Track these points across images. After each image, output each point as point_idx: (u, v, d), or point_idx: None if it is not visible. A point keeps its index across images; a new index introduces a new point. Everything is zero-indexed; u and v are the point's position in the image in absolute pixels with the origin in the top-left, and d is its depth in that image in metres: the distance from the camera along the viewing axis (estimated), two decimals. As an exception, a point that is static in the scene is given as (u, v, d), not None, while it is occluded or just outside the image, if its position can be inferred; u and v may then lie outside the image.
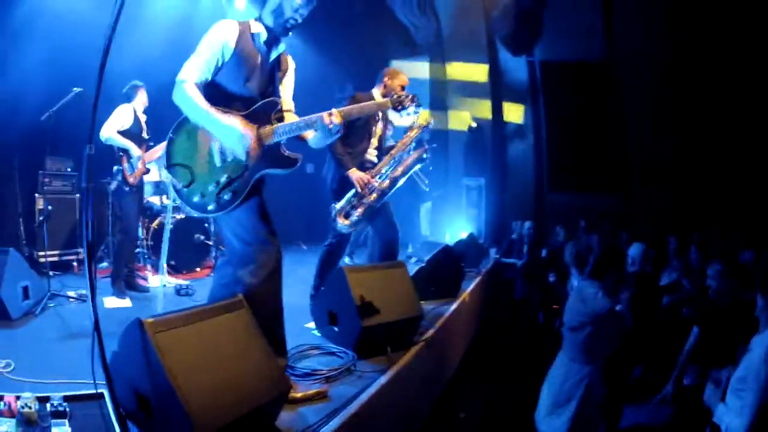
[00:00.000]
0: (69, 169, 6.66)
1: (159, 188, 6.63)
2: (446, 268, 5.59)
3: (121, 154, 5.22)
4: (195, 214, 2.78)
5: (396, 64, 11.11)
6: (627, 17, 9.69)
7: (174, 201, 2.82)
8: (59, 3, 6.40)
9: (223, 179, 2.68)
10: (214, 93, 2.75)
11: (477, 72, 11.30)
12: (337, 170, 4.36)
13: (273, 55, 2.91)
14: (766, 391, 2.66)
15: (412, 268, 5.22)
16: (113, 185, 5.38)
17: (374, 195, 4.28)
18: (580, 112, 10.24)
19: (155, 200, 6.80)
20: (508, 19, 10.29)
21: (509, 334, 7.09)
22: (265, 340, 2.28)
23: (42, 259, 5.64)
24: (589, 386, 3.65)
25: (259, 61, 2.83)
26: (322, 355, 3.51)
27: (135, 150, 5.22)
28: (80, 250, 6.54)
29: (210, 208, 2.68)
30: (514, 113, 11.44)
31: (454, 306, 5.11)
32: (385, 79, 4.40)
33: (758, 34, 8.57)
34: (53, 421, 1.93)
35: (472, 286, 6.20)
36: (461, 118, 11.71)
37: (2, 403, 2.09)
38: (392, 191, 4.39)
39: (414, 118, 4.21)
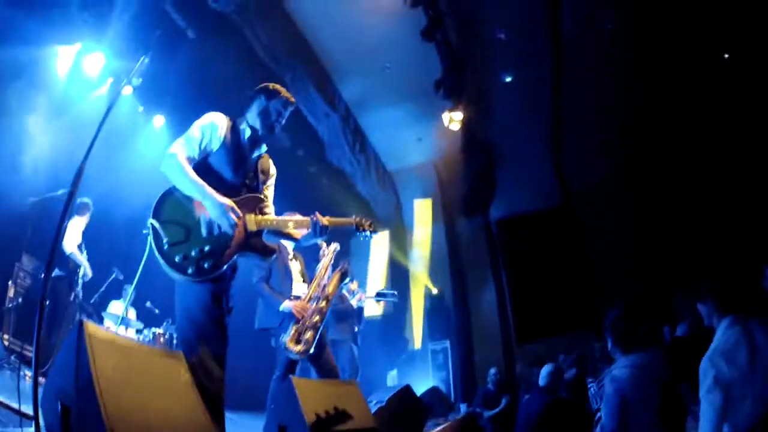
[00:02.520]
0: (42, 276, 6.42)
1: (123, 321, 6.68)
2: (407, 406, 5.32)
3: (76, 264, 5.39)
4: (172, 273, 2.79)
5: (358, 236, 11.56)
6: (578, 158, 10.10)
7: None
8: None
9: (207, 248, 2.81)
10: (205, 178, 2.91)
11: (435, 239, 11.78)
12: (272, 309, 4.46)
13: (255, 153, 3.21)
14: (715, 385, 2.60)
15: (372, 409, 4.99)
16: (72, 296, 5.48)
17: (316, 317, 4.35)
18: (541, 261, 10.34)
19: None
20: (461, 184, 10.88)
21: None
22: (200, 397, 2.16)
23: (6, 342, 5.54)
24: None
25: (245, 155, 3.13)
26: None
27: (89, 270, 5.37)
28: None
29: (189, 271, 2.75)
30: (474, 274, 11.66)
31: (417, 440, 4.81)
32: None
33: (714, 158, 8.75)
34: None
35: (438, 429, 5.86)
36: (422, 286, 11.91)
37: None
38: (329, 312, 4.53)
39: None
